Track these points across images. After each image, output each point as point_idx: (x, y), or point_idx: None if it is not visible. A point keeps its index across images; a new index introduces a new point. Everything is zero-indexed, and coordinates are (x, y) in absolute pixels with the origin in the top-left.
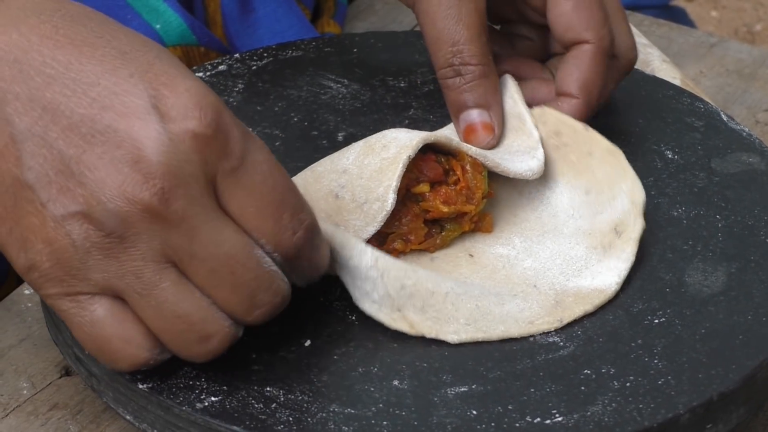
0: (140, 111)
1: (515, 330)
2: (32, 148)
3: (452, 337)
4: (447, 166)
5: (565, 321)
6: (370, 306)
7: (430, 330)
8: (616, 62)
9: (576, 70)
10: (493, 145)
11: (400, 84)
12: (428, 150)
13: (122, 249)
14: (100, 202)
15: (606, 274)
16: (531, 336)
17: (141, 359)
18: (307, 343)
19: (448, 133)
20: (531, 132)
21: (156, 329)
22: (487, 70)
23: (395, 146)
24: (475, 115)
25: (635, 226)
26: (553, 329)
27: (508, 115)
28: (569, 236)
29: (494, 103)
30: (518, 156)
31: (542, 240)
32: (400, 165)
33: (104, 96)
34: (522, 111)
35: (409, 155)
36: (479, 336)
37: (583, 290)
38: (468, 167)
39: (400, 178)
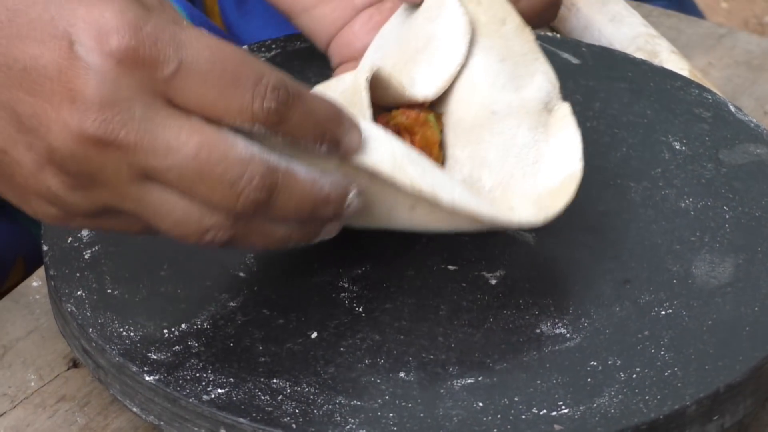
0: (63, 46)
1: (504, 216)
2: None
3: (447, 198)
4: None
5: (550, 217)
6: (369, 156)
7: (428, 187)
8: None
9: None
10: None
11: None
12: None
13: (96, 184)
14: (56, 149)
15: (563, 156)
16: (537, 329)
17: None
18: (314, 335)
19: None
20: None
21: (161, 232)
22: None
23: (346, 80)
24: None
25: (565, 104)
26: (540, 223)
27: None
28: (505, 118)
29: None
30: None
31: (481, 135)
32: (363, 92)
33: (29, 37)
34: None
35: (367, 77)
36: (472, 205)
37: (554, 184)
38: (416, 129)
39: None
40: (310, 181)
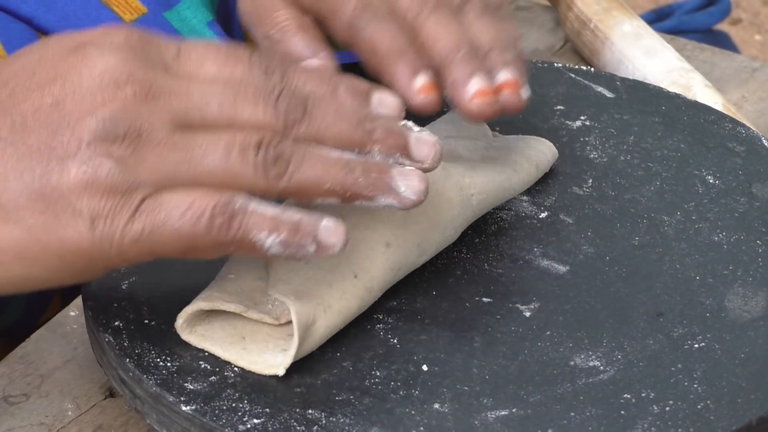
0: (83, 39)
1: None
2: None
3: None
4: None
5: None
6: None
7: None
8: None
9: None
10: None
11: None
12: None
13: (145, 141)
14: (97, 118)
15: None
16: (571, 361)
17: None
18: (349, 365)
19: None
20: None
21: (212, 166)
22: None
23: None
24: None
25: None
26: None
27: None
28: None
29: (322, 49)
30: None
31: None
32: None
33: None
34: None
35: None
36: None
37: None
38: None
39: None
40: (343, 101)
